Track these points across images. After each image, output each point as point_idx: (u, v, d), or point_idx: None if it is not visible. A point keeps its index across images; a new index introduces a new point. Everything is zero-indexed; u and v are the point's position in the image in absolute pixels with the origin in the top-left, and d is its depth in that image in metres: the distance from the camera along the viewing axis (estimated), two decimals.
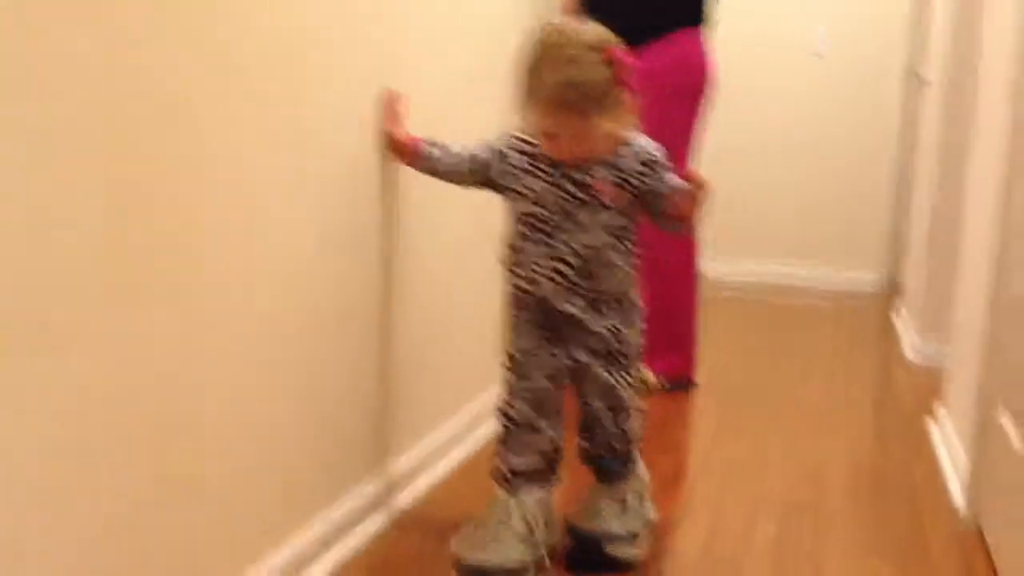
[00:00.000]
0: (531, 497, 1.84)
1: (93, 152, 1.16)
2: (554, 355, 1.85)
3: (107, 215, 1.19)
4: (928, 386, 3.17)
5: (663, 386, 3.06)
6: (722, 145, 5.18)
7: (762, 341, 4.00)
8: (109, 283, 1.21)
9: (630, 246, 1.83)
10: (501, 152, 1.86)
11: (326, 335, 1.76)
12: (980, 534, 2.05)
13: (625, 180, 1.78)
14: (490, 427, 2.37)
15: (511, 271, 1.85)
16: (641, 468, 1.98)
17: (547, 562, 1.83)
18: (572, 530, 1.92)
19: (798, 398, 3.14)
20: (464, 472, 2.30)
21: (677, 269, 3.05)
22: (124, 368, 1.23)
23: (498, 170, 1.85)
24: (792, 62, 5.18)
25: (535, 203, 1.80)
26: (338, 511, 1.82)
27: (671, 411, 2.94)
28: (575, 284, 1.80)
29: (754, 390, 3.22)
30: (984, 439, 2.08)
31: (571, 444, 1.92)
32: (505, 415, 1.87)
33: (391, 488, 2.03)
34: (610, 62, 1.68)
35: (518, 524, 1.81)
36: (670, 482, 2.34)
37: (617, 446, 1.90)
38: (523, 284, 1.83)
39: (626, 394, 1.88)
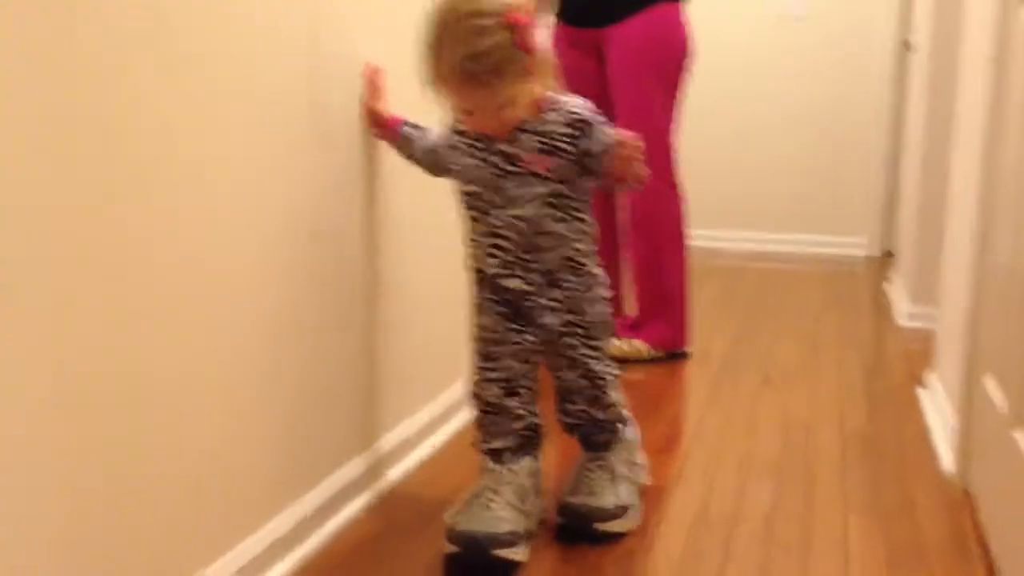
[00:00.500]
0: (520, 467, 1.87)
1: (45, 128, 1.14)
2: (517, 333, 1.84)
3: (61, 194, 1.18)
4: (919, 352, 3.21)
5: (655, 356, 3.10)
6: (712, 114, 5.22)
7: (753, 308, 4.03)
8: (76, 258, 1.19)
9: (575, 213, 1.80)
10: (448, 141, 1.86)
11: (307, 317, 1.75)
12: (967, 495, 2.10)
13: (554, 145, 1.75)
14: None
15: (467, 251, 1.86)
16: (629, 432, 2.00)
17: (535, 531, 1.86)
18: (562, 506, 1.91)
19: (789, 364, 3.18)
20: (450, 451, 2.29)
21: (663, 233, 3.08)
22: (98, 347, 1.23)
23: (449, 158, 1.85)
24: (779, 28, 5.19)
25: (468, 181, 1.80)
26: (324, 492, 1.82)
27: (663, 377, 2.97)
28: (519, 259, 1.79)
29: (745, 356, 3.26)
30: (971, 403, 2.12)
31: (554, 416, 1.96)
32: (477, 397, 1.89)
33: (377, 468, 2.03)
34: (509, 27, 1.63)
35: (508, 494, 1.83)
36: (663, 449, 2.38)
37: (597, 415, 1.92)
38: (473, 263, 1.85)
39: (597, 363, 1.88)
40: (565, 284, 1.82)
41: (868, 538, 1.92)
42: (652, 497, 2.06)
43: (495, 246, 1.80)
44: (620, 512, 1.90)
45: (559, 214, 1.78)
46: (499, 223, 1.78)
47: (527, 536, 1.81)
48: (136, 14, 1.27)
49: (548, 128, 1.75)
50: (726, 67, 5.22)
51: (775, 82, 5.21)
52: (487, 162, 1.77)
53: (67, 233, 1.18)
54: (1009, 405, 1.76)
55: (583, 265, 1.83)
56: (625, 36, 2.93)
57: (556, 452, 2.07)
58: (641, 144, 1.73)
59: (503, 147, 1.76)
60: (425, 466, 2.21)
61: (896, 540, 1.91)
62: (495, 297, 1.85)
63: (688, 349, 3.19)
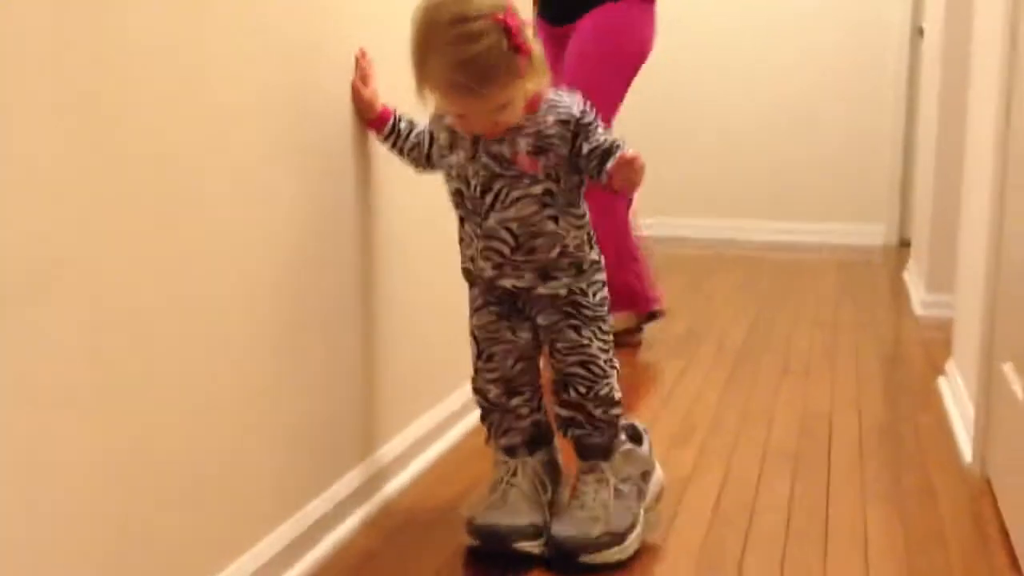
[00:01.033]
0: (534, 458, 1.86)
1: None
2: (511, 331, 1.82)
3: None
4: (936, 340, 3.20)
5: (632, 329, 3.18)
6: (729, 105, 5.21)
7: (772, 297, 4.03)
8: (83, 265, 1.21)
9: (568, 208, 1.75)
10: (431, 133, 1.84)
11: (304, 329, 1.72)
12: (987, 484, 2.09)
13: (547, 144, 1.70)
14: (476, 414, 2.42)
15: (461, 247, 1.82)
16: (637, 448, 1.88)
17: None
18: (549, 536, 1.77)
19: (807, 352, 3.17)
20: (451, 460, 2.26)
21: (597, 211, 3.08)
22: (102, 359, 1.22)
23: (432, 151, 1.84)
24: (795, 19, 5.18)
25: (458, 180, 1.76)
26: (326, 502, 1.79)
27: (681, 365, 2.97)
28: (511, 260, 1.75)
29: (764, 345, 3.26)
30: (989, 390, 2.11)
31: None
32: (479, 394, 1.87)
33: (377, 478, 1.99)
34: (499, 28, 1.57)
35: (525, 485, 1.83)
36: (682, 437, 2.38)
37: (595, 411, 1.80)
38: (467, 264, 1.82)
39: (599, 348, 1.79)
40: (562, 275, 1.77)
41: (887, 527, 1.92)
42: (670, 488, 2.06)
43: (492, 249, 1.75)
44: (609, 541, 1.74)
45: (552, 212, 1.73)
46: (491, 224, 1.73)
47: (546, 526, 1.80)
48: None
49: (540, 128, 1.70)
50: (742, 58, 5.21)
51: (790, 71, 5.20)
52: (478, 162, 1.72)
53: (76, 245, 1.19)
54: None
55: (579, 255, 1.77)
56: (583, 28, 3.04)
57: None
58: (644, 163, 1.67)
59: (494, 147, 1.71)
60: (425, 476, 2.16)
61: (915, 529, 1.91)
62: (489, 296, 1.82)
63: (661, 308, 3.26)
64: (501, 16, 1.58)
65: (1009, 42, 2.05)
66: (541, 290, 1.77)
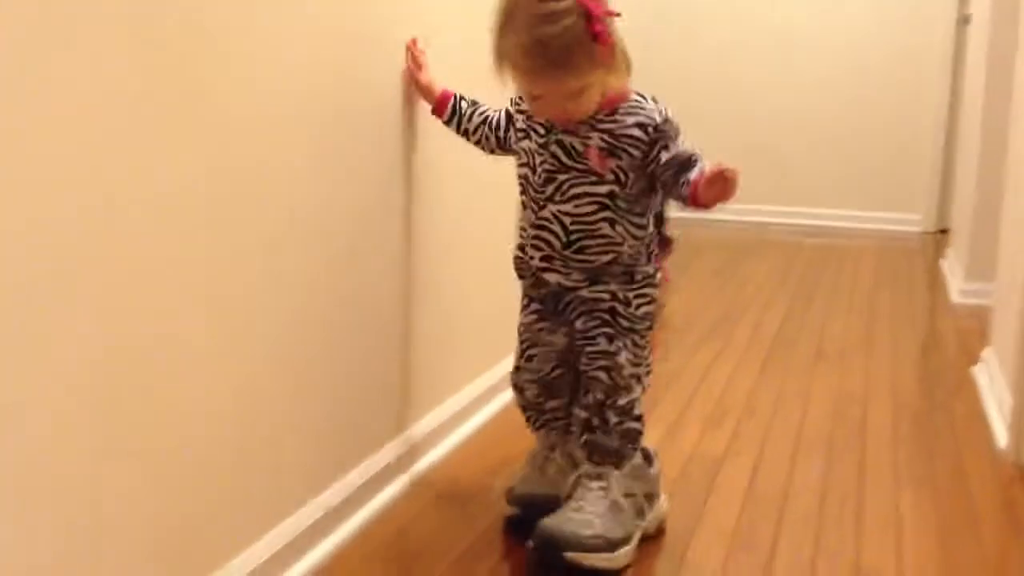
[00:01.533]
0: (570, 439, 1.84)
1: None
2: (549, 333, 1.79)
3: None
4: (972, 329, 3.19)
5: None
6: (770, 91, 5.20)
7: (808, 283, 4.02)
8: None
9: (629, 218, 1.69)
10: (510, 115, 1.82)
11: (345, 305, 1.72)
12: (1021, 470, 2.09)
13: (621, 145, 1.65)
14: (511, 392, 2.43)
15: (518, 239, 1.80)
16: (649, 469, 1.80)
17: None
18: (538, 525, 1.68)
19: (842, 338, 3.17)
20: (484, 436, 2.27)
21: None
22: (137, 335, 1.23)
23: (510, 136, 1.82)
24: (838, 6, 5.15)
25: (526, 166, 1.74)
26: (359, 476, 1.80)
27: (716, 348, 2.98)
28: (564, 256, 1.71)
29: (799, 330, 3.26)
30: None
31: None
32: (518, 391, 1.85)
33: (412, 453, 2.00)
34: (582, 13, 1.54)
35: (561, 459, 1.84)
36: (715, 419, 2.40)
37: (612, 418, 1.71)
38: (518, 253, 1.79)
39: (627, 360, 1.71)
40: (611, 281, 1.72)
41: (920, 512, 1.93)
42: (702, 470, 2.08)
43: (539, 238, 1.72)
44: (600, 546, 1.66)
45: (610, 215, 1.68)
46: (546, 214, 1.70)
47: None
48: None
49: (617, 128, 1.65)
50: (784, 43, 5.19)
51: (832, 58, 5.17)
52: (546, 151, 1.69)
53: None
54: None
55: (632, 264, 1.72)
56: None
57: None
58: (738, 176, 1.55)
59: (565, 138, 1.67)
60: (457, 451, 2.16)
61: (948, 514, 1.92)
62: (534, 294, 1.80)
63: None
64: (587, 2, 1.55)
65: None
66: (585, 292, 1.72)
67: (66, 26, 1.08)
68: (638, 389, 1.74)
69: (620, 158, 1.66)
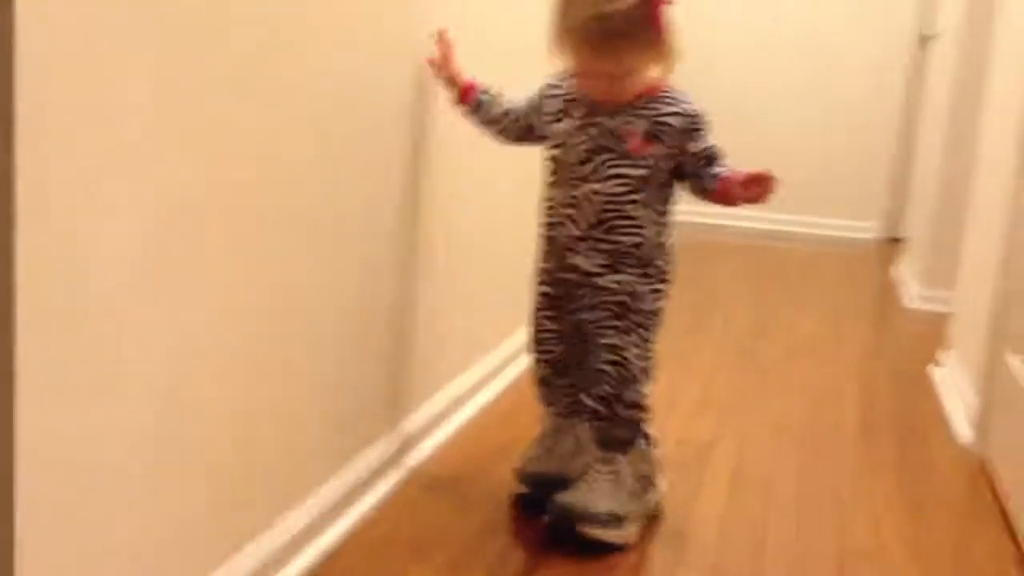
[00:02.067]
0: (577, 420, 1.94)
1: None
2: (551, 320, 1.87)
3: None
4: (929, 333, 3.37)
5: None
6: (730, 97, 5.35)
7: (773, 284, 4.20)
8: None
9: (656, 204, 1.78)
10: (537, 105, 1.86)
11: (342, 296, 1.71)
12: (984, 464, 2.26)
13: (660, 132, 1.74)
14: (502, 382, 2.51)
15: (542, 215, 1.86)
16: (653, 450, 1.91)
17: None
18: (551, 503, 1.81)
19: (806, 336, 3.35)
20: (478, 426, 2.30)
21: None
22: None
23: (536, 123, 1.86)
24: (797, 16, 5.33)
25: (560, 146, 1.80)
26: (354, 472, 1.79)
27: (692, 344, 3.13)
28: (590, 236, 1.78)
29: (769, 328, 3.42)
30: (993, 378, 2.28)
31: None
32: (534, 372, 1.93)
33: (406, 445, 2.00)
34: (646, 0, 1.64)
35: (569, 441, 1.93)
36: (699, 410, 2.54)
37: (621, 411, 1.81)
38: (544, 230, 1.86)
39: (636, 357, 1.79)
40: (627, 270, 1.79)
41: (894, 498, 2.08)
42: (693, 455, 2.22)
43: (570, 217, 1.79)
44: (611, 521, 1.78)
45: (639, 198, 1.76)
46: (579, 194, 1.77)
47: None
48: None
49: (656, 115, 1.74)
50: (747, 54, 5.35)
51: (800, 72, 5.34)
52: (585, 132, 1.76)
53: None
54: None
55: (651, 256, 1.80)
56: None
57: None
58: (775, 181, 1.70)
59: (607, 121, 1.75)
60: (450, 444, 2.18)
61: (920, 500, 2.08)
62: (547, 277, 1.86)
63: None
64: None
65: None
66: (600, 281, 1.79)
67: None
68: (645, 381, 1.83)
69: (657, 144, 1.74)
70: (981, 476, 2.22)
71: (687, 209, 1.75)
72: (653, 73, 1.73)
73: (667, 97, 1.76)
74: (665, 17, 1.67)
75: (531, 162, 1.96)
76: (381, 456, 1.90)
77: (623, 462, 1.83)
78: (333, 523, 1.71)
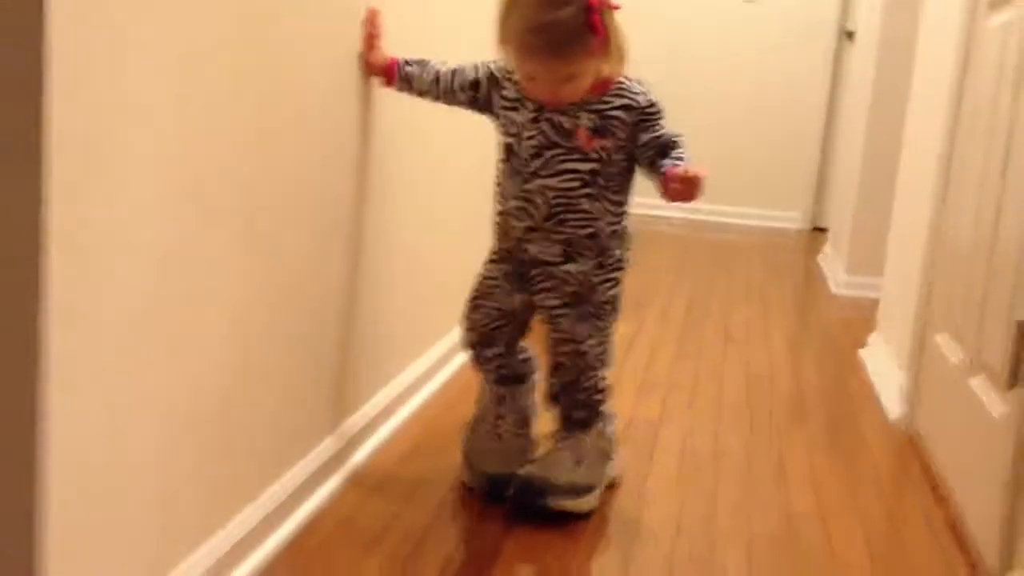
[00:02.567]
0: (517, 390, 1.97)
1: None
2: (507, 294, 1.89)
3: None
4: (855, 317, 3.54)
5: None
6: (658, 88, 5.48)
7: (704, 274, 4.34)
8: None
9: (608, 195, 1.81)
10: (495, 78, 1.86)
11: (284, 298, 1.65)
12: (913, 438, 2.41)
13: (608, 127, 1.77)
14: (445, 374, 2.54)
15: (496, 198, 1.89)
16: (609, 426, 1.97)
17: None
18: (516, 475, 1.87)
19: (739, 322, 3.49)
20: (421, 421, 2.31)
21: None
22: None
23: (488, 93, 1.86)
24: (724, 8, 5.48)
25: (514, 136, 1.82)
26: (298, 474, 1.75)
27: (632, 330, 3.24)
28: (543, 228, 1.81)
29: (703, 316, 3.56)
30: (922, 358, 2.43)
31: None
32: (463, 338, 1.96)
33: (349, 445, 1.97)
34: (581, 3, 1.65)
35: (511, 416, 1.96)
36: (644, 392, 2.66)
37: (580, 396, 1.89)
38: (498, 217, 1.89)
39: (591, 345, 1.85)
40: (582, 260, 1.83)
41: (832, 470, 2.22)
42: (645, 430, 2.34)
43: (522, 209, 1.82)
44: (572, 491, 1.86)
45: (591, 191, 1.79)
46: (531, 187, 1.80)
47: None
48: None
49: (605, 109, 1.77)
50: (668, 43, 5.48)
51: (730, 71, 5.50)
52: (536, 126, 1.79)
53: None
54: (964, 358, 2.06)
55: (606, 245, 1.84)
56: None
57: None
58: (703, 181, 1.68)
59: (555, 117, 1.77)
60: (393, 440, 2.17)
61: (856, 472, 2.22)
62: (504, 253, 1.89)
63: None
64: None
65: (962, 34, 2.34)
66: (556, 270, 1.83)
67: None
68: (602, 367, 1.90)
69: (606, 138, 1.77)
70: (910, 449, 2.37)
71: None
72: (603, 71, 1.74)
73: (616, 90, 1.78)
74: (606, 20, 1.68)
75: (474, 158, 1.95)
76: (323, 458, 1.85)
77: (583, 438, 1.92)
78: (285, 519, 1.70)
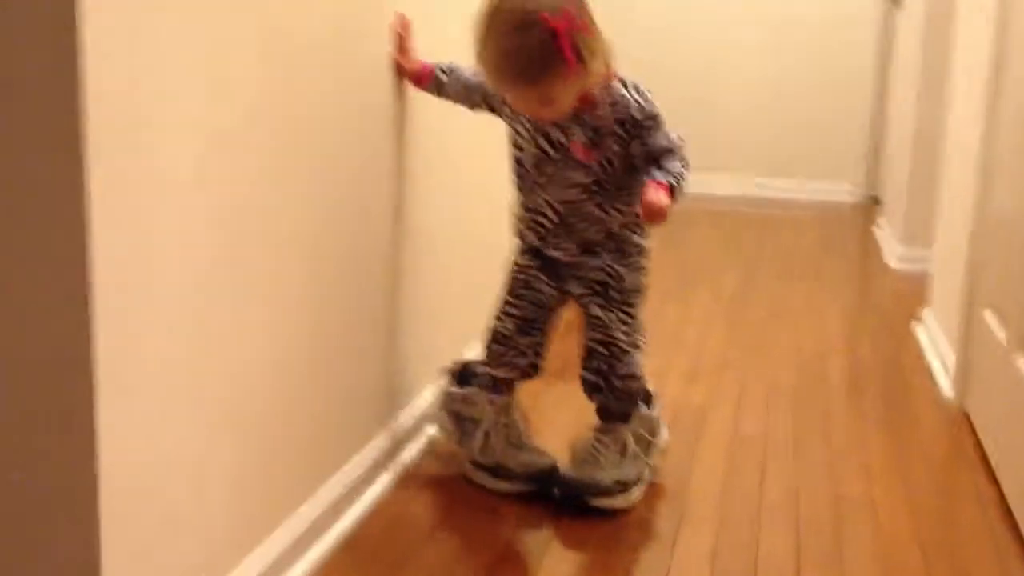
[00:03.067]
0: (514, 400, 1.99)
1: None
2: (546, 284, 1.91)
3: None
4: (911, 291, 3.50)
5: None
6: (706, 62, 5.45)
7: (755, 250, 4.30)
8: None
9: (614, 202, 1.83)
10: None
11: (330, 304, 1.69)
12: (965, 416, 2.39)
13: (601, 139, 1.78)
14: None
15: (512, 209, 1.94)
16: (649, 410, 1.99)
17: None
18: (560, 478, 1.91)
19: (792, 300, 3.47)
20: None
21: None
22: None
23: (500, 104, 1.86)
24: None
25: (520, 149, 1.85)
26: (351, 471, 1.79)
27: (681, 310, 3.24)
28: (558, 235, 1.86)
29: (753, 293, 3.55)
30: (970, 334, 2.41)
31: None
32: (497, 323, 1.94)
33: (398, 444, 2.01)
34: (548, 30, 1.61)
35: (517, 424, 1.98)
36: (693, 374, 2.66)
37: (616, 383, 1.89)
38: (518, 225, 1.94)
39: (622, 333, 1.88)
40: (604, 253, 1.87)
41: (883, 450, 2.21)
42: (690, 418, 2.34)
43: (535, 221, 1.88)
44: (617, 489, 1.87)
45: (598, 200, 1.82)
46: (538, 200, 1.85)
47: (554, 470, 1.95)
48: None
49: (598, 123, 1.77)
50: (712, 8, 5.43)
51: (772, 37, 5.42)
52: (533, 140, 1.81)
53: None
54: (1008, 335, 2.04)
55: (624, 236, 1.88)
56: None
57: (573, 416, 2.19)
58: (665, 216, 1.67)
59: (551, 131, 1.79)
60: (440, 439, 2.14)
61: (907, 451, 2.21)
62: (536, 254, 1.92)
63: None
64: (551, 19, 1.61)
65: (1000, 4, 2.30)
66: (578, 264, 1.88)
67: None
68: (635, 353, 1.90)
69: (603, 150, 1.78)
70: (962, 426, 2.35)
71: None
72: (587, 86, 1.72)
73: (610, 101, 1.77)
74: (576, 43, 1.64)
75: (504, 158, 1.94)
76: (375, 453, 1.90)
77: (623, 430, 1.93)
78: (341, 515, 1.75)
